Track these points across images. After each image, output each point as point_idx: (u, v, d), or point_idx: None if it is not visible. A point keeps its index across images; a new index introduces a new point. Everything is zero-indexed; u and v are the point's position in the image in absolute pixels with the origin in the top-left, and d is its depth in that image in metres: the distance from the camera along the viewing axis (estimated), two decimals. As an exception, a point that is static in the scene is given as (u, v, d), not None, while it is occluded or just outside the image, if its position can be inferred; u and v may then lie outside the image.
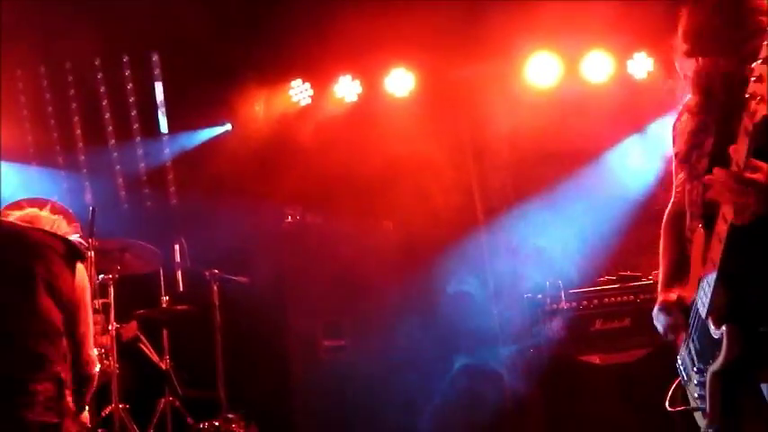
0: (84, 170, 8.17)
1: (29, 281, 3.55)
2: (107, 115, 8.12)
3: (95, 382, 3.93)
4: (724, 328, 2.67)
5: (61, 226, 3.89)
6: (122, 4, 7.14)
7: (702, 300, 2.78)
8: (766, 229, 2.60)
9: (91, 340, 3.84)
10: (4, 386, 3.34)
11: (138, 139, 8.15)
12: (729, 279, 2.68)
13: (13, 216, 3.75)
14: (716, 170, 2.59)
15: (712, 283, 2.69)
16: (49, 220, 3.85)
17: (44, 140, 8.07)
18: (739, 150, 2.53)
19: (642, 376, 5.78)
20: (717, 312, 2.72)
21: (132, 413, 6.14)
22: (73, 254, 3.77)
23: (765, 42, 2.43)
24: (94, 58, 8.05)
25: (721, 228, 2.64)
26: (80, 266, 3.82)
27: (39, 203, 3.93)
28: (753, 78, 2.44)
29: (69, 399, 3.57)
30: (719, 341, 2.69)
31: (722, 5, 2.82)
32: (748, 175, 2.51)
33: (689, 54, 2.91)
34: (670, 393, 3.16)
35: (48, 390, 3.42)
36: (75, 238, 3.88)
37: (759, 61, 2.43)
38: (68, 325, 3.68)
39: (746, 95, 2.46)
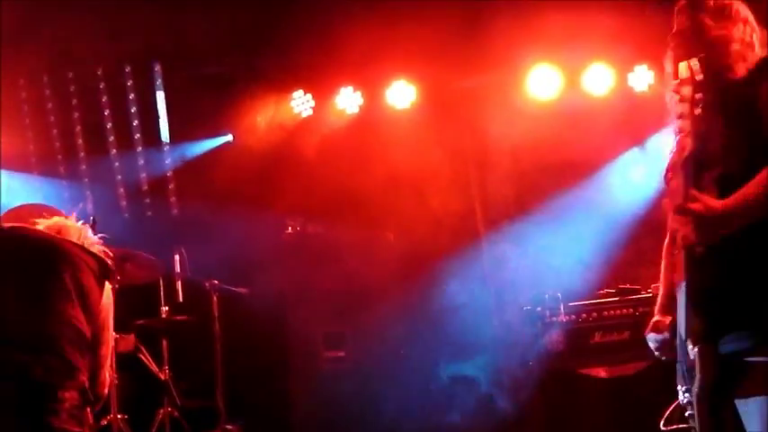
0: (86, 179, 8.17)
1: (65, 289, 3.57)
2: (109, 125, 8.12)
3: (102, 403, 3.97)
4: (696, 349, 2.73)
5: (88, 235, 3.89)
6: (125, 14, 7.16)
7: (681, 322, 2.84)
8: (722, 253, 2.72)
9: (108, 362, 3.86)
10: (36, 390, 3.35)
11: (140, 148, 8.15)
12: (697, 302, 2.77)
13: (42, 225, 3.75)
14: (664, 202, 2.83)
15: (683, 306, 2.79)
16: (76, 230, 3.85)
17: (46, 149, 8.08)
18: (680, 183, 2.71)
19: (641, 389, 5.76)
20: (693, 335, 2.78)
21: (131, 423, 6.13)
22: (103, 272, 3.78)
23: (676, 80, 2.63)
24: (97, 68, 8.06)
25: (680, 254, 2.79)
26: (108, 286, 3.83)
27: (62, 213, 3.92)
28: (676, 115, 2.65)
29: (88, 409, 3.60)
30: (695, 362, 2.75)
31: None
32: (688, 205, 2.68)
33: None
34: (668, 413, 3.17)
35: (73, 398, 3.44)
36: (100, 248, 3.89)
37: (677, 98, 2.62)
38: (93, 342, 3.70)
39: (677, 131, 2.58)
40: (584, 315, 6.27)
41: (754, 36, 2.94)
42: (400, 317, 7.19)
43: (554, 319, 6.30)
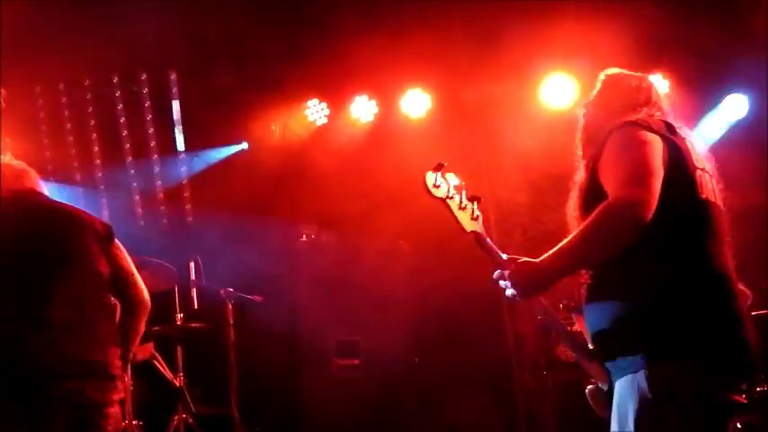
0: (102, 187, 8.20)
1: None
2: (125, 132, 8.16)
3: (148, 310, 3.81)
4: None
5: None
6: (141, 23, 7.19)
7: None
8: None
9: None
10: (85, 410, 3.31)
11: (155, 156, 8.19)
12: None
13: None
14: None
15: None
16: (29, 173, 3.71)
17: (62, 157, 8.11)
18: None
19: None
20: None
21: (146, 430, 6.15)
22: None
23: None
24: (113, 76, 8.10)
25: None
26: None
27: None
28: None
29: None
30: None
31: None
32: (504, 273, 2.95)
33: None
34: None
35: (117, 412, 3.41)
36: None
37: None
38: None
39: None
40: (599, 325, 6.25)
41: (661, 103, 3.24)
42: (413, 325, 7.19)
43: (569, 329, 6.27)
